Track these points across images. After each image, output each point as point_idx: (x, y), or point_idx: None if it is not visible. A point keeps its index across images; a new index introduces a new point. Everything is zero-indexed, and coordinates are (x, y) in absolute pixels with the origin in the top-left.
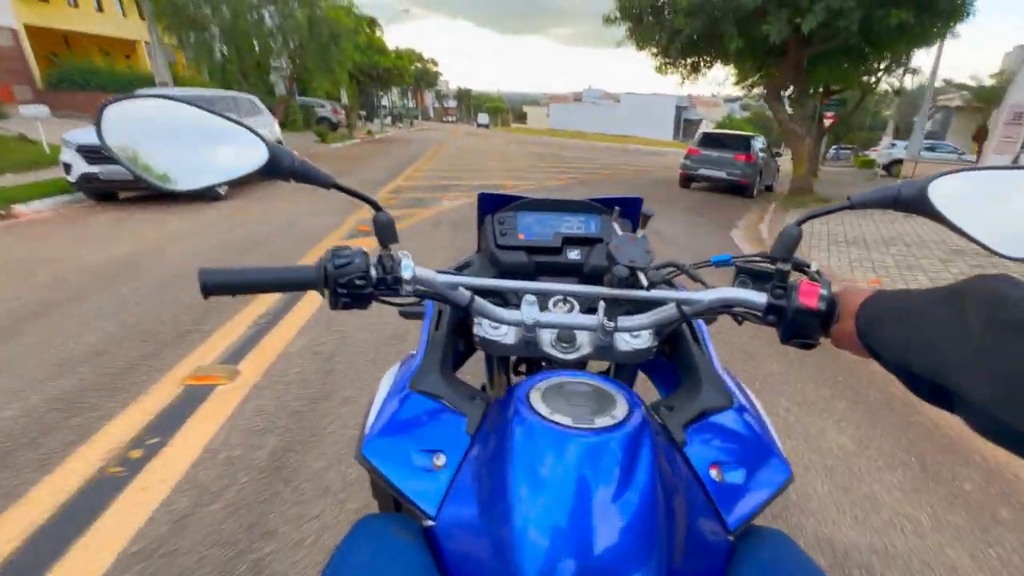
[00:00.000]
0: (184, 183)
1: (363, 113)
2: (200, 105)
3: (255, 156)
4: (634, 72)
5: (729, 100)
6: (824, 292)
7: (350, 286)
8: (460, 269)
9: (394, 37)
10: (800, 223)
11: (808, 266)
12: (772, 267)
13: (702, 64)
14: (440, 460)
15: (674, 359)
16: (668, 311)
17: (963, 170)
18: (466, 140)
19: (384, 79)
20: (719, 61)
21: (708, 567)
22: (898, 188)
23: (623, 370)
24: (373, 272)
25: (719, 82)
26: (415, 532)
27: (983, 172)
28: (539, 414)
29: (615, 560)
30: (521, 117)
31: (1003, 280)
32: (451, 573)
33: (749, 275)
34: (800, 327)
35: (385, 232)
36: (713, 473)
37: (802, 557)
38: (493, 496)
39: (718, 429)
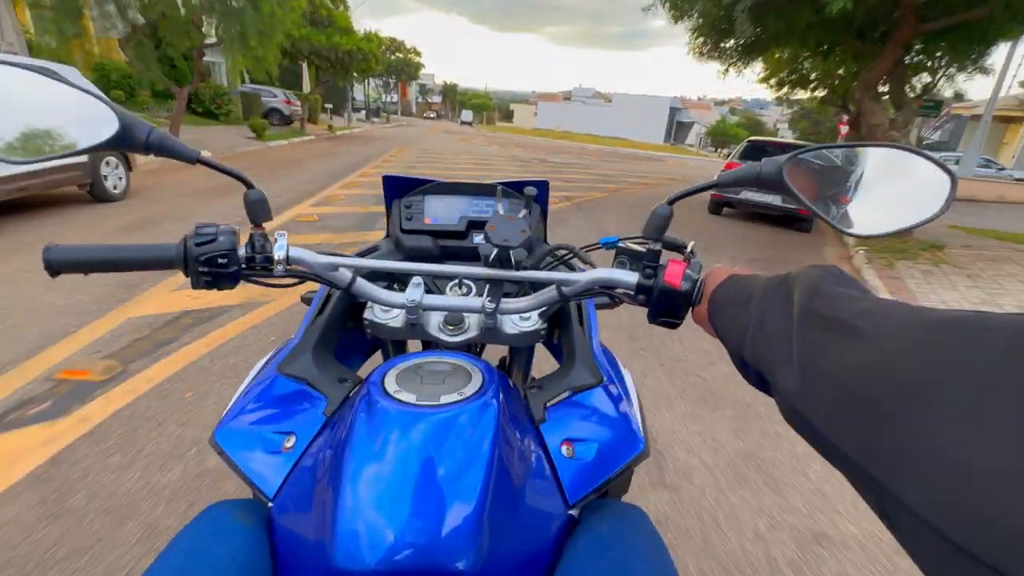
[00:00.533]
0: (20, 154)
1: (329, 106)
2: (38, 69)
3: (105, 127)
4: (625, 75)
5: (719, 103)
6: (689, 272)
7: (212, 264)
8: (365, 254)
9: (389, 29)
10: (670, 202)
11: (684, 247)
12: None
13: (757, 46)
14: (290, 442)
15: (560, 340)
16: (550, 293)
17: (817, 147)
18: (439, 140)
19: (346, 64)
20: (776, 43)
21: (543, 540)
22: (760, 167)
23: (519, 353)
24: (242, 251)
25: (776, 80)
26: (260, 516)
27: (834, 151)
28: (386, 393)
29: (439, 537)
30: (508, 116)
31: (826, 271)
32: (281, 556)
33: (629, 256)
34: (666, 306)
35: (257, 210)
36: (564, 449)
37: (648, 531)
38: (327, 476)
39: (580, 407)
